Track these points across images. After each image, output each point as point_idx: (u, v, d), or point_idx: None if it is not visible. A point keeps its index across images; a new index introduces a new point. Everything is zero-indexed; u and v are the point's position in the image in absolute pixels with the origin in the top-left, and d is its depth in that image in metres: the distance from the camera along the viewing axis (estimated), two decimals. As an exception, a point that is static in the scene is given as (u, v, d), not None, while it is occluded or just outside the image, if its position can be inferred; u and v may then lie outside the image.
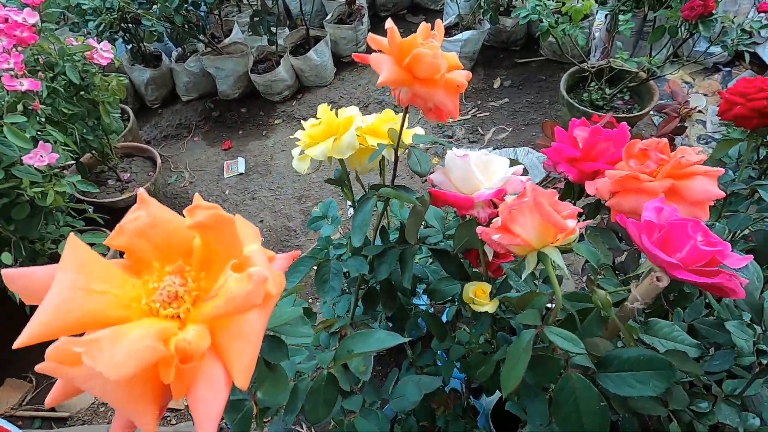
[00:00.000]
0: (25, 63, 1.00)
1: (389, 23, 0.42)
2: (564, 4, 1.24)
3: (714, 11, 1.05)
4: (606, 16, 1.59)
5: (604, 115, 0.61)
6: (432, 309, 0.80)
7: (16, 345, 0.18)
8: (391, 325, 0.62)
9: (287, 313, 0.30)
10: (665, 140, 0.54)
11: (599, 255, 0.50)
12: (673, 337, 0.47)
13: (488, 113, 1.78)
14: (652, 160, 0.52)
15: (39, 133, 1.00)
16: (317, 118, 0.52)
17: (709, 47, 1.28)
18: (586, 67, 1.43)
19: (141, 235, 0.20)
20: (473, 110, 1.80)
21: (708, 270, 0.38)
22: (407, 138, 0.53)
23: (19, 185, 0.95)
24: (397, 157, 0.50)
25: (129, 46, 1.84)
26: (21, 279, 0.19)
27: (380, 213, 0.53)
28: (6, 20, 0.99)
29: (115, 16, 1.52)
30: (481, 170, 0.50)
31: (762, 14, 1.17)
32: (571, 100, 1.41)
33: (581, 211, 0.41)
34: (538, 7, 1.21)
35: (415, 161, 0.49)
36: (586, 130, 0.61)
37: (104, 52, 1.15)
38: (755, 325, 0.47)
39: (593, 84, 1.44)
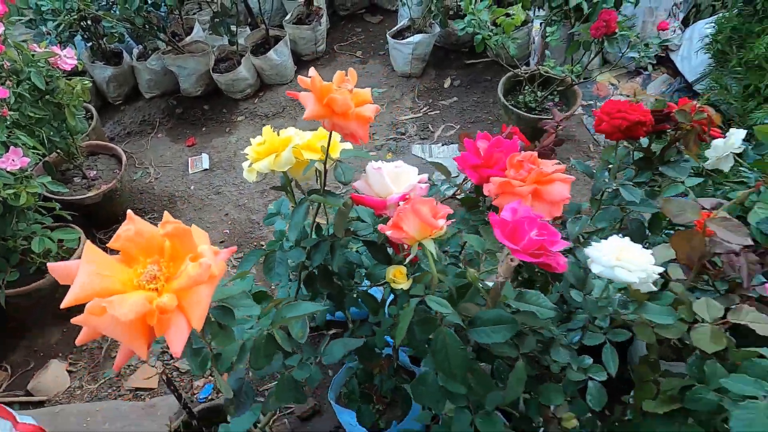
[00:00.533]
0: (-8, 71, 1.06)
1: (312, 72, 0.55)
2: (500, 16, 1.39)
3: (616, 31, 1.22)
4: (541, 24, 1.75)
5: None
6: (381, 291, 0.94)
7: (64, 304, 0.31)
8: (331, 302, 0.76)
9: (233, 290, 0.44)
10: (535, 153, 0.70)
11: (485, 243, 0.66)
12: (537, 302, 0.63)
13: (438, 111, 1.93)
14: (524, 170, 0.68)
15: (8, 137, 1.07)
16: (262, 137, 0.65)
17: (621, 57, 1.47)
18: (519, 73, 1.60)
19: (130, 240, 0.33)
20: (425, 108, 1.95)
21: (538, 253, 0.53)
22: (336, 152, 0.66)
23: (-9, 187, 1.03)
24: (325, 169, 0.63)
25: (89, 44, 1.88)
26: (60, 269, 0.31)
27: (314, 213, 0.67)
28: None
29: (75, 17, 1.56)
30: (392, 179, 0.65)
31: (661, 31, 1.36)
32: (506, 103, 1.57)
33: (452, 212, 0.55)
34: (473, 21, 1.35)
35: (340, 173, 0.62)
36: (487, 142, 0.76)
37: (68, 58, 1.21)
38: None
39: (527, 88, 1.61)
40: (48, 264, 0.34)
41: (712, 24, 1.61)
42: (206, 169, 1.83)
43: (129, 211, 0.35)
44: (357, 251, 0.84)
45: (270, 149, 0.63)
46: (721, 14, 1.60)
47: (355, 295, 0.80)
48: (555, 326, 0.67)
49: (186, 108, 2.04)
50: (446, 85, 2.02)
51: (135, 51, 2.01)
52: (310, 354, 0.59)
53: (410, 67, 2.00)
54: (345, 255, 0.75)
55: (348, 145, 0.70)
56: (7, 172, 1.04)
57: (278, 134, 0.65)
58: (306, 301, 0.69)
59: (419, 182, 0.67)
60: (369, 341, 0.81)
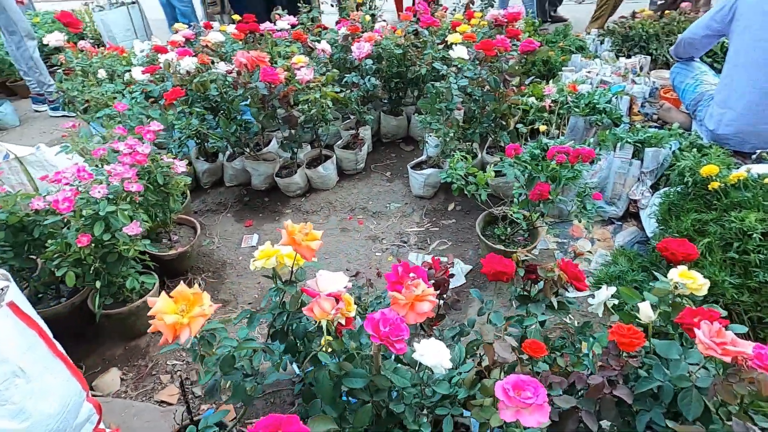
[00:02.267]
0: (137, 174, 1.75)
1: (288, 223, 1.07)
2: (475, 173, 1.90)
3: (549, 198, 1.66)
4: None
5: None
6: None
7: (150, 313, 0.81)
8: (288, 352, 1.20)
9: (215, 324, 0.92)
10: (419, 279, 1.14)
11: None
12: (400, 374, 1.04)
13: (438, 229, 2.41)
14: (409, 290, 1.12)
15: (134, 213, 1.71)
16: (265, 248, 1.17)
17: (568, 214, 1.88)
18: (494, 212, 2.05)
19: (176, 294, 0.83)
20: (428, 224, 2.44)
21: (390, 340, 0.96)
22: (301, 262, 1.16)
23: (116, 243, 1.65)
24: (292, 271, 1.12)
25: (197, 146, 2.67)
26: (151, 300, 0.82)
27: (281, 295, 1.15)
28: (132, 149, 1.76)
29: (192, 131, 2.33)
30: (328, 282, 1.12)
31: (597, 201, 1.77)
32: (480, 235, 2.01)
33: (342, 305, 1.00)
34: (450, 172, 1.87)
35: (300, 273, 1.11)
36: (403, 268, 1.22)
37: (180, 167, 1.90)
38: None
39: (500, 224, 2.06)
40: (148, 298, 0.85)
41: (659, 196, 1.99)
42: (253, 246, 2.42)
43: (180, 286, 0.86)
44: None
45: (266, 255, 1.14)
46: (665, 189, 1.98)
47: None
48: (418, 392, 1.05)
49: (252, 198, 2.72)
50: (450, 208, 2.52)
51: (227, 153, 2.78)
52: (256, 375, 1.04)
53: (423, 191, 2.54)
54: (303, 324, 1.21)
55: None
56: (127, 234, 1.66)
57: (273, 246, 1.17)
58: (275, 347, 1.14)
59: (344, 287, 1.14)
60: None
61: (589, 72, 3.10)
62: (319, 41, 2.68)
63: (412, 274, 1.17)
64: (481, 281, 2.10)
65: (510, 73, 2.12)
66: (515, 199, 1.83)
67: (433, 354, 0.93)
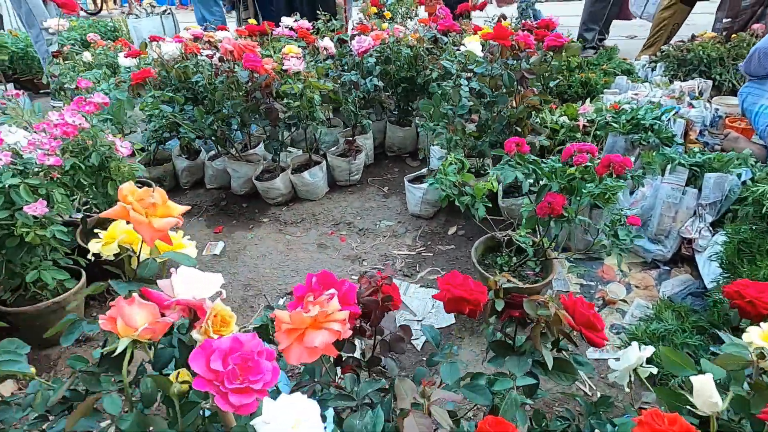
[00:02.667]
0: (64, 148, 1.48)
1: (126, 186, 0.71)
2: (470, 181, 1.49)
3: (564, 214, 1.22)
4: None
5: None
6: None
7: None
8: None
9: None
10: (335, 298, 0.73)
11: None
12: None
13: (432, 255, 1.97)
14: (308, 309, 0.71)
15: (49, 192, 1.42)
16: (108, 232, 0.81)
17: (592, 245, 1.40)
18: (497, 236, 1.61)
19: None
20: (421, 249, 2.01)
21: (224, 388, 0.55)
22: (166, 249, 0.79)
23: (14, 224, 1.35)
24: (138, 261, 0.75)
25: (179, 143, 2.43)
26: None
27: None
28: (63, 118, 1.50)
29: (164, 122, 2.08)
30: (189, 283, 0.73)
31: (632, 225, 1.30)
32: (476, 264, 1.56)
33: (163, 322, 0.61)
34: (441, 179, 1.47)
35: (144, 267, 0.73)
36: (329, 280, 0.82)
37: (123, 148, 1.62)
38: None
39: (504, 251, 1.60)
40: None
41: (724, 234, 1.48)
42: (216, 255, 2.08)
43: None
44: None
45: (111, 237, 0.78)
46: (733, 225, 1.47)
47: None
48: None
49: (229, 202, 2.41)
50: (450, 232, 2.09)
51: (211, 153, 2.52)
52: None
53: (420, 209, 2.13)
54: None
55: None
56: (33, 216, 1.37)
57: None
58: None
59: (216, 295, 0.74)
60: None
61: (636, 94, 2.65)
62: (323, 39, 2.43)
63: (332, 290, 0.77)
64: (475, 322, 1.63)
65: (530, 71, 1.73)
66: (522, 218, 1.39)
67: (285, 422, 0.51)
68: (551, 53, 1.82)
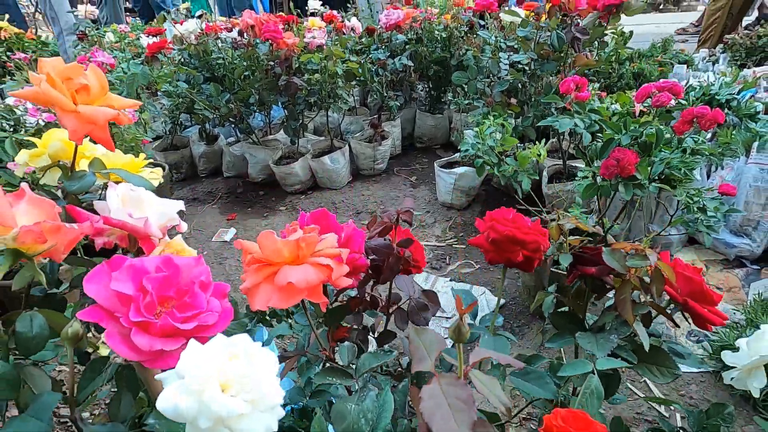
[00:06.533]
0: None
1: (46, 60, 0.52)
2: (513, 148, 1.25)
3: (636, 176, 0.95)
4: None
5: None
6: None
7: None
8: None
9: None
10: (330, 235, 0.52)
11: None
12: None
13: (464, 247, 1.72)
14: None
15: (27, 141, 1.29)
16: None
17: (667, 225, 1.11)
18: (543, 218, 1.35)
19: None
20: (452, 240, 1.76)
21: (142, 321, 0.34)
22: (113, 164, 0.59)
23: (-4, 182, 1.21)
24: (72, 168, 0.56)
25: (198, 128, 2.31)
26: None
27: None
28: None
29: (180, 100, 1.96)
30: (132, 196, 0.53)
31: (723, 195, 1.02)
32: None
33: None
34: (477, 144, 1.23)
35: (74, 181, 0.54)
36: (328, 220, 0.60)
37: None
38: None
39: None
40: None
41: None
42: (225, 241, 1.90)
43: None
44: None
45: (44, 143, 0.60)
46: None
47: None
48: None
49: (246, 190, 2.25)
50: (485, 223, 1.83)
51: (230, 138, 2.38)
52: None
53: (451, 198, 1.89)
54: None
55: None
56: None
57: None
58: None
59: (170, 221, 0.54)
60: None
61: (700, 81, 2.34)
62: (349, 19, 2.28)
63: (331, 234, 0.55)
64: (521, 320, 1.36)
65: (582, 30, 1.49)
66: (578, 188, 1.13)
67: (211, 377, 0.28)
68: (607, 13, 1.57)
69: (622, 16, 1.52)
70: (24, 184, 0.44)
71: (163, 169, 2.07)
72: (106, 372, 0.40)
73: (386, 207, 2.00)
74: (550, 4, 1.53)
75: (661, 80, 0.95)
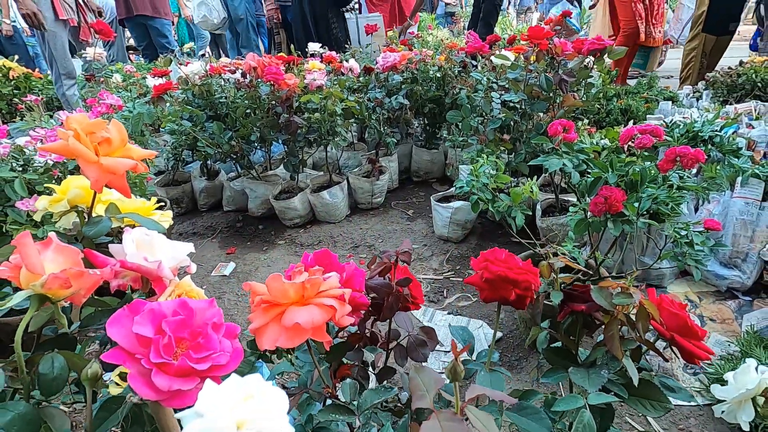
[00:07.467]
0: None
1: (74, 116, 0.57)
2: (506, 184, 1.30)
3: (624, 213, 0.99)
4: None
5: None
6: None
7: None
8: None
9: None
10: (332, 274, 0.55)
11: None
12: None
13: (461, 279, 1.74)
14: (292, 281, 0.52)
15: (46, 188, 1.33)
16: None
17: (657, 260, 1.15)
18: (537, 252, 1.38)
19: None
20: (449, 273, 1.79)
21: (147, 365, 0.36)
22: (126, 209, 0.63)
23: (4, 220, 1.24)
24: (90, 215, 0.59)
25: (199, 163, 2.37)
26: None
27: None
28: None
29: (183, 138, 2.02)
30: (144, 241, 0.56)
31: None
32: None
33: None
34: (472, 181, 1.28)
35: (92, 226, 0.57)
36: (329, 261, 0.63)
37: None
38: None
39: (547, 269, 1.36)
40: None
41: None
42: (225, 276, 1.92)
43: None
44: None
45: (63, 191, 0.63)
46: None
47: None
48: None
49: (245, 224, 2.29)
50: (482, 256, 1.86)
51: (230, 174, 2.44)
52: None
53: (448, 231, 1.93)
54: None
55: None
56: (27, 212, 1.26)
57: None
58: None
59: (176, 263, 0.57)
60: None
61: (684, 117, 2.44)
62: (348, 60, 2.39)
63: (332, 273, 0.58)
64: (519, 353, 1.37)
65: (569, 72, 1.58)
66: (570, 222, 1.17)
67: (227, 416, 0.31)
68: (591, 57, 1.67)
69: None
70: (52, 234, 0.47)
71: (165, 204, 2.11)
72: (121, 412, 0.42)
73: (384, 240, 2.03)
74: (539, 49, 1.62)
75: (644, 123, 1.00)
